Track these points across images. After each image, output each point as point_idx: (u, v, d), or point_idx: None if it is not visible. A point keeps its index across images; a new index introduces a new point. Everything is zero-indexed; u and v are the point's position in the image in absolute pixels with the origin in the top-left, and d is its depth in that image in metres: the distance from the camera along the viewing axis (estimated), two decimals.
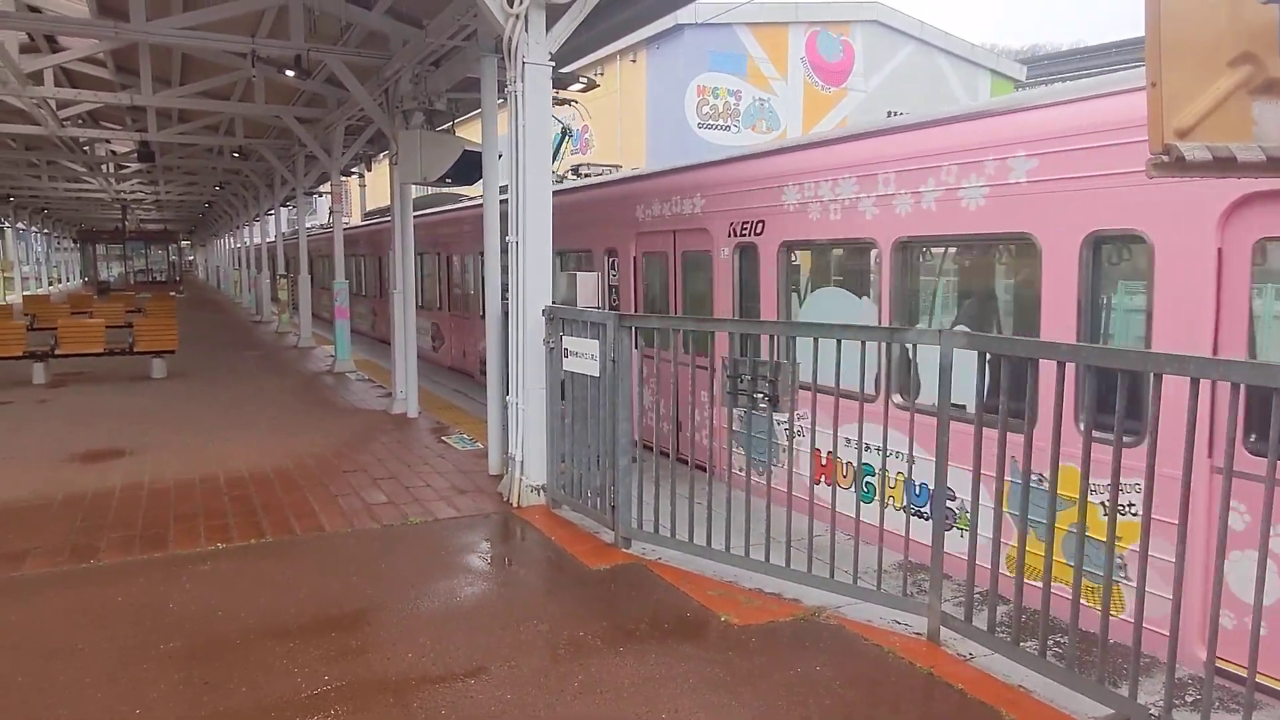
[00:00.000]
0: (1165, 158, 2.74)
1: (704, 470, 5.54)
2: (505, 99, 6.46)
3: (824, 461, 6.24)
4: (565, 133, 13.89)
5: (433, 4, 8.29)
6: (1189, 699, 3.76)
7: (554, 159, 13.91)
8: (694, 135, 20.76)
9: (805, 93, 22.24)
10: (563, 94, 11.86)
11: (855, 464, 4.62)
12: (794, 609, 4.49)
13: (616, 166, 13.01)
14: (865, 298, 6.55)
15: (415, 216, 15.36)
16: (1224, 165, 2.76)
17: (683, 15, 19.25)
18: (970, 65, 24.48)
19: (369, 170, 21.22)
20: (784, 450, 5.59)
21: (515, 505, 6.32)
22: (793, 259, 7.11)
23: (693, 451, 6.02)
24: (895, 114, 12.13)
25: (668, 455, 5.74)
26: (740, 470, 5.37)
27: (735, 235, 7.39)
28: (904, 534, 4.35)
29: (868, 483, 5.84)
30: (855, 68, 22.81)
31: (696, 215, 7.87)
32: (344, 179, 18.21)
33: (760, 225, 7.10)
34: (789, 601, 4.60)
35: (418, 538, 5.77)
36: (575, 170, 12.42)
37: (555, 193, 10.42)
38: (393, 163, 10.44)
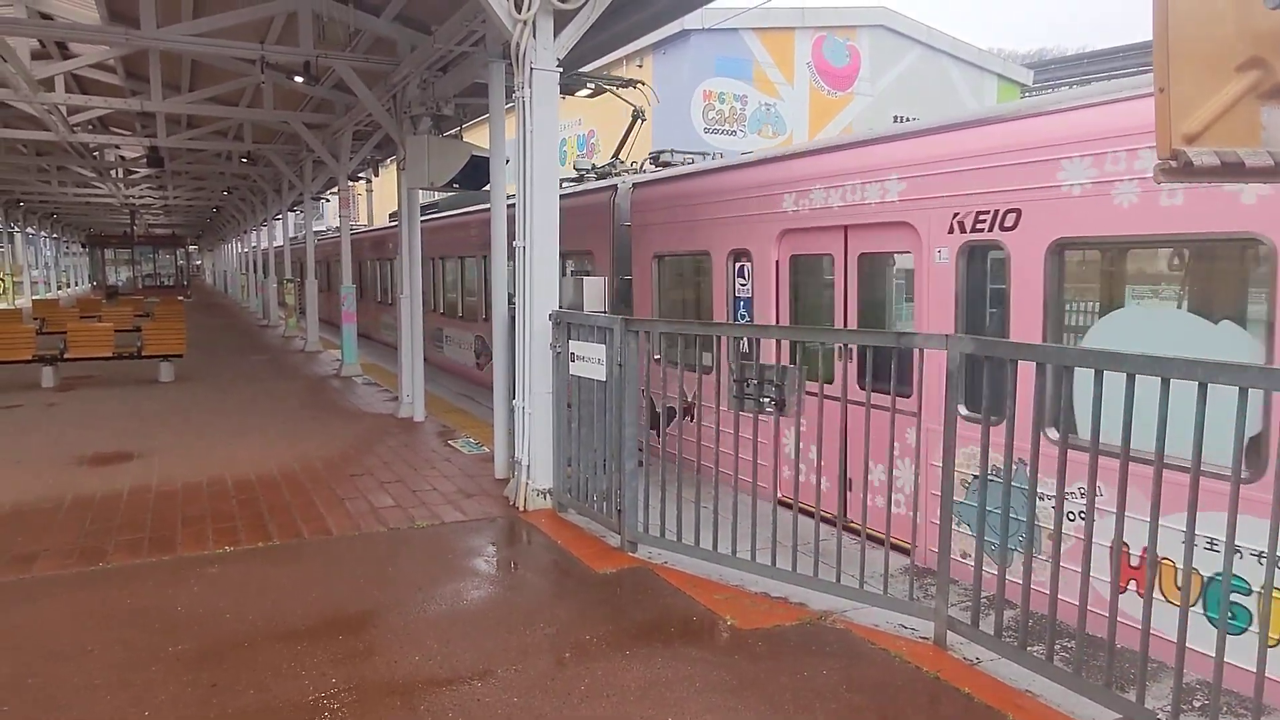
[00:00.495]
0: (1173, 163, 2.74)
1: (903, 552, 4.60)
2: (513, 104, 6.49)
3: (1134, 563, 4.30)
4: (638, 116, 12.03)
5: (441, 10, 8.33)
6: (1196, 704, 3.75)
7: (625, 145, 12.26)
8: (700, 140, 20.77)
9: (811, 97, 22.24)
10: (628, 76, 11.22)
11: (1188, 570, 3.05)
12: (800, 613, 4.49)
13: (703, 154, 10.73)
14: (1228, 322, 4.34)
15: (460, 214, 14.97)
16: (1232, 171, 2.75)
17: (689, 21, 19.28)
18: (977, 70, 24.47)
19: (376, 175, 21.29)
20: (1050, 536, 4.02)
21: (521, 509, 6.34)
22: (1071, 264, 5.02)
23: (879, 522, 4.62)
24: (902, 119, 11.35)
25: (831, 523, 4.78)
26: (967, 557, 4.39)
27: (961, 231, 5.42)
28: (910, 537, 4.35)
29: (1237, 604, 3.94)
30: (861, 72, 22.80)
31: (890, 205, 5.88)
32: (351, 184, 18.30)
33: (1013, 216, 5.12)
34: (795, 606, 4.59)
35: (424, 541, 5.78)
36: (655, 159, 10.43)
37: (650, 182, 8.93)
38: (400, 168, 10.48)
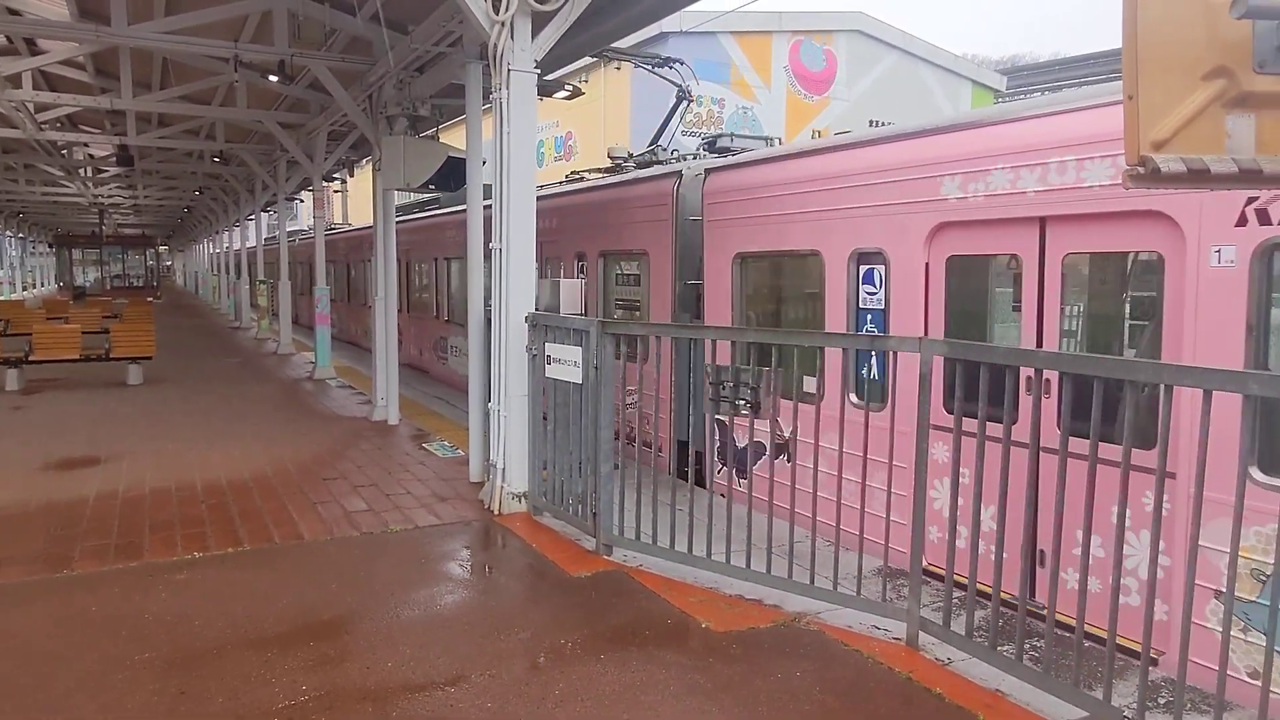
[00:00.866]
0: (1141, 169, 2.78)
1: (1152, 662, 3.44)
2: (490, 105, 6.47)
3: None
4: (683, 97, 10.85)
5: (418, 10, 8.28)
6: (1162, 701, 3.80)
7: (669, 129, 11.28)
8: (678, 143, 20.83)
9: (788, 101, 22.39)
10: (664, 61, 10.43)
11: None
12: (774, 615, 4.51)
13: (769, 139, 9.23)
14: None
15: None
16: (1198, 177, 2.79)
17: (667, 24, 19.33)
18: (952, 75, 24.75)
19: (351, 175, 21.11)
20: None
21: (496, 512, 6.30)
22: None
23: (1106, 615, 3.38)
24: (879, 123, 10.51)
25: (1014, 607, 3.89)
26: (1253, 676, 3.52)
27: (1262, 223, 4.01)
28: (884, 540, 4.38)
29: None
30: (838, 76, 22.98)
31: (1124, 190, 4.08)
32: (326, 184, 18.12)
33: None
34: (769, 608, 4.61)
35: (398, 545, 5.73)
36: (712, 145, 8.98)
37: (731, 168, 7.50)
38: (375, 169, 10.40)
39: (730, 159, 7.90)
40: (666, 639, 4.23)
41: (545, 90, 10.02)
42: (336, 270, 22.06)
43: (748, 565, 4.78)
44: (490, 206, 6.46)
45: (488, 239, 6.59)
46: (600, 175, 10.51)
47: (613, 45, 9.80)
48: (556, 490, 5.98)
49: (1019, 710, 3.54)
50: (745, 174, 7.29)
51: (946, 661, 3.97)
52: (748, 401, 4.87)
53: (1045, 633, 3.57)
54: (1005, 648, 3.78)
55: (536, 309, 6.42)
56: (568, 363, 5.71)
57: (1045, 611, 3.55)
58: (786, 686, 3.74)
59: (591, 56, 10.47)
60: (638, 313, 8.56)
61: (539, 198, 10.72)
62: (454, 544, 5.81)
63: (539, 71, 6.36)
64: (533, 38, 6.19)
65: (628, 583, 4.97)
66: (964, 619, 3.94)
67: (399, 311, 16.82)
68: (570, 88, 10.99)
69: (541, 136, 23.09)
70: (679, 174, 7.99)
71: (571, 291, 6.82)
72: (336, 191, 29.92)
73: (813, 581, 4.53)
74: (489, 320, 6.66)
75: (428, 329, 15.28)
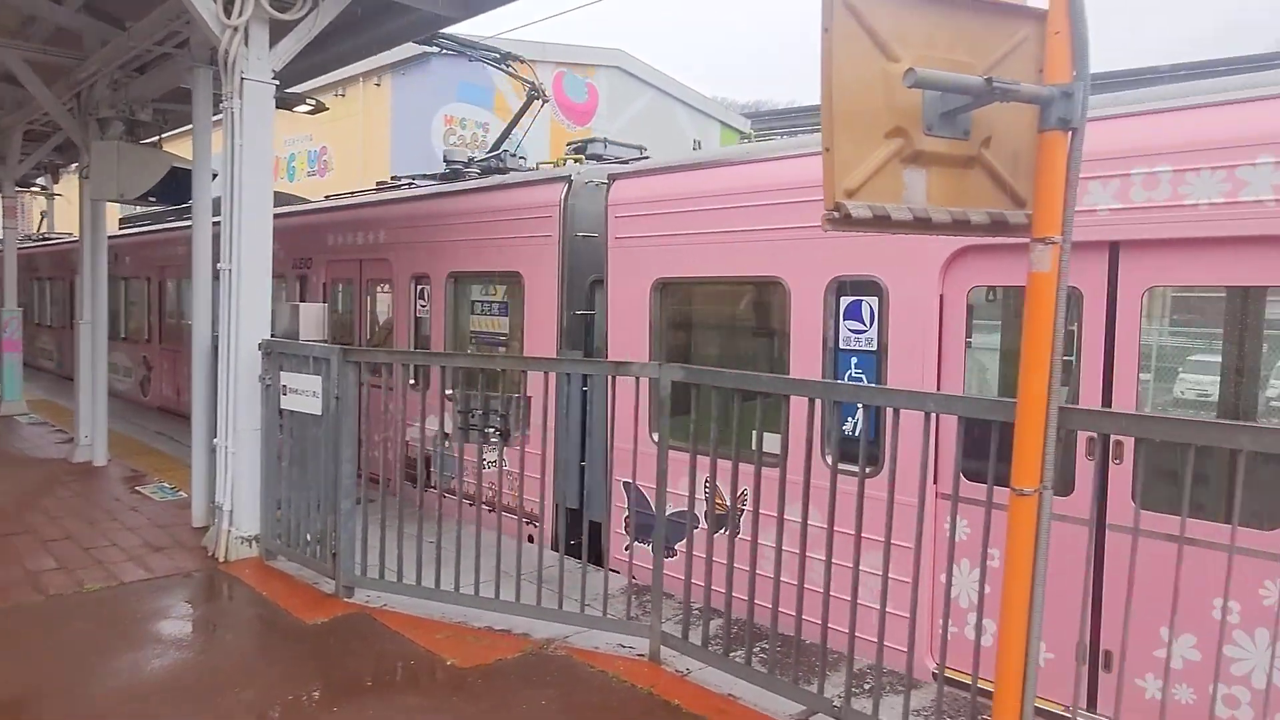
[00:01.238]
0: (836, 214, 3.11)
1: None
2: (222, 114, 5.94)
3: None
4: (535, 96, 9.68)
5: (138, 5, 7.43)
6: (866, 687, 4.21)
7: (515, 130, 10.00)
8: (435, 164, 20.47)
9: (552, 130, 22.80)
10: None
11: None
12: (522, 644, 4.47)
13: (640, 148, 7.93)
14: None
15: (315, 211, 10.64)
16: (881, 223, 3.18)
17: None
18: (703, 116, 26.58)
19: (56, 181, 18.40)
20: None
21: (222, 560, 5.70)
22: None
23: None
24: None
25: None
26: None
27: None
28: (628, 558, 4.50)
29: None
30: (599, 109, 23.86)
31: (1249, 209, 3.49)
32: (22, 190, 15.71)
33: None
34: (518, 636, 4.56)
35: (96, 607, 4.97)
36: (581, 150, 7.79)
37: (648, 173, 6.08)
38: (83, 176, 9.16)
39: (648, 163, 6.51)
40: (408, 682, 4.04)
41: (285, 103, 9.40)
42: (54, 290, 18.93)
43: (496, 595, 4.70)
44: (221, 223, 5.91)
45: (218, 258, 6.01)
46: (434, 181, 8.95)
47: (444, 35, 8.82)
48: (292, 531, 5.53)
49: (748, 711, 3.78)
50: (670, 182, 5.85)
51: (686, 672, 4.15)
52: (497, 429, 4.83)
53: (770, 636, 3.85)
54: (737, 654, 4.01)
55: (273, 334, 5.95)
56: (306, 393, 5.33)
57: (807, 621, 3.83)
58: (532, 717, 3.70)
59: (420, 44, 9.52)
60: (504, 349, 7.10)
61: (356, 206, 9.52)
62: (168, 599, 5.15)
63: (278, 83, 5.96)
64: (270, 47, 5.80)
65: (369, 625, 4.69)
66: (701, 630, 4.14)
67: (148, 343, 14.52)
68: (314, 102, 10.33)
69: (293, 149, 21.69)
70: (567, 180, 6.52)
71: (313, 315, 6.40)
72: (39, 194, 25.98)
73: (561, 606, 4.55)
74: (217, 347, 6.07)
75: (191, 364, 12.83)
